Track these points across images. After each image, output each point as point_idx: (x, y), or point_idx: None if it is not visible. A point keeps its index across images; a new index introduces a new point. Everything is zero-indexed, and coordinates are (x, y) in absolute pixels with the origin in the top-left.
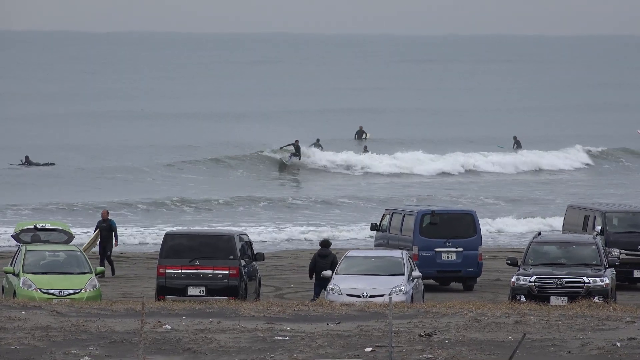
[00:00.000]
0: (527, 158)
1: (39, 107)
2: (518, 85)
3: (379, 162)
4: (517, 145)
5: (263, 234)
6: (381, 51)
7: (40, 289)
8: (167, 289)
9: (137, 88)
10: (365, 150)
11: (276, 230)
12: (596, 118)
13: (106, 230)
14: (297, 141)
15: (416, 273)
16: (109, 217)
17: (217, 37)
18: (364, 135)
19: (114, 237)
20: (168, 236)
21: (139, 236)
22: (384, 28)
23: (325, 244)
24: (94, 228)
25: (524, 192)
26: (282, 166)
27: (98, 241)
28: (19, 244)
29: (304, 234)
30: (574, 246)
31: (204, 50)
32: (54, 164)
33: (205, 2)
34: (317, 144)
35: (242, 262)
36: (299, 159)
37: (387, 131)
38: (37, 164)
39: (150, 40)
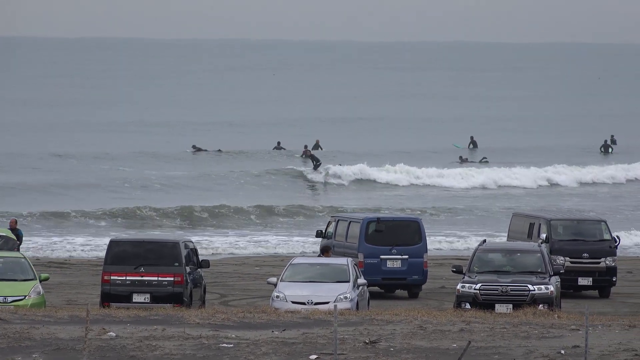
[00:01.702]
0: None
1: (42, 114)
2: (495, 94)
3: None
4: (473, 145)
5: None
6: (355, 57)
7: None
8: (111, 296)
9: (132, 95)
10: (305, 151)
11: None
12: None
13: None
14: (306, 146)
15: (361, 280)
16: (17, 227)
17: (197, 44)
18: (319, 149)
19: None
20: (113, 243)
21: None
22: (351, 34)
23: (323, 249)
24: None
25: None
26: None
27: None
28: None
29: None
30: (519, 254)
31: (180, 58)
32: None
33: (188, 10)
34: (278, 147)
35: (187, 269)
36: (316, 167)
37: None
38: None
39: (142, 47)
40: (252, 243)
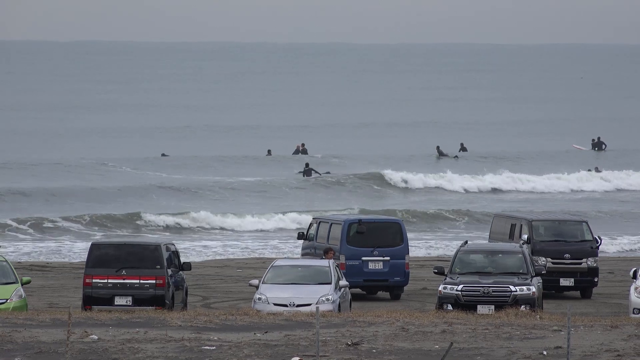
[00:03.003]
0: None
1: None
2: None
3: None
4: (463, 150)
5: None
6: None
7: None
8: (93, 299)
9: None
10: (299, 147)
11: None
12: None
13: None
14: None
15: (343, 282)
16: None
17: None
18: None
19: None
20: (94, 246)
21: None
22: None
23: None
24: None
25: None
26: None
27: None
28: None
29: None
30: (500, 255)
31: (177, 61)
32: None
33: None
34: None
35: (169, 271)
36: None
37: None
38: None
39: (146, 50)
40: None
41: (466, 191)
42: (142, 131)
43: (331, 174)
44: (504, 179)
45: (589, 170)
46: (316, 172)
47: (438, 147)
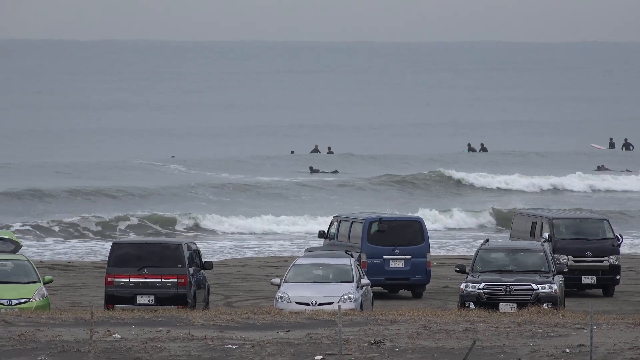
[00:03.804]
0: None
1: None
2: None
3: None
4: (484, 150)
5: None
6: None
7: None
8: (115, 298)
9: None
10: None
11: None
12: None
13: None
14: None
15: (365, 280)
16: None
17: (200, 45)
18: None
19: None
20: (116, 245)
21: None
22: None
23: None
24: None
25: None
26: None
27: None
28: None
29: None
30: (522, 253)
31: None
32: None
33: (195, 10)
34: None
35: (191, 270)
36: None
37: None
38: None
39: (146, 49)
40: None
41: (543, 190)
42: (147, 132)
43: (339, 172)
44: (567, 179)
45: (597, 167)
46: (323, 171)
47: (469, 145)
